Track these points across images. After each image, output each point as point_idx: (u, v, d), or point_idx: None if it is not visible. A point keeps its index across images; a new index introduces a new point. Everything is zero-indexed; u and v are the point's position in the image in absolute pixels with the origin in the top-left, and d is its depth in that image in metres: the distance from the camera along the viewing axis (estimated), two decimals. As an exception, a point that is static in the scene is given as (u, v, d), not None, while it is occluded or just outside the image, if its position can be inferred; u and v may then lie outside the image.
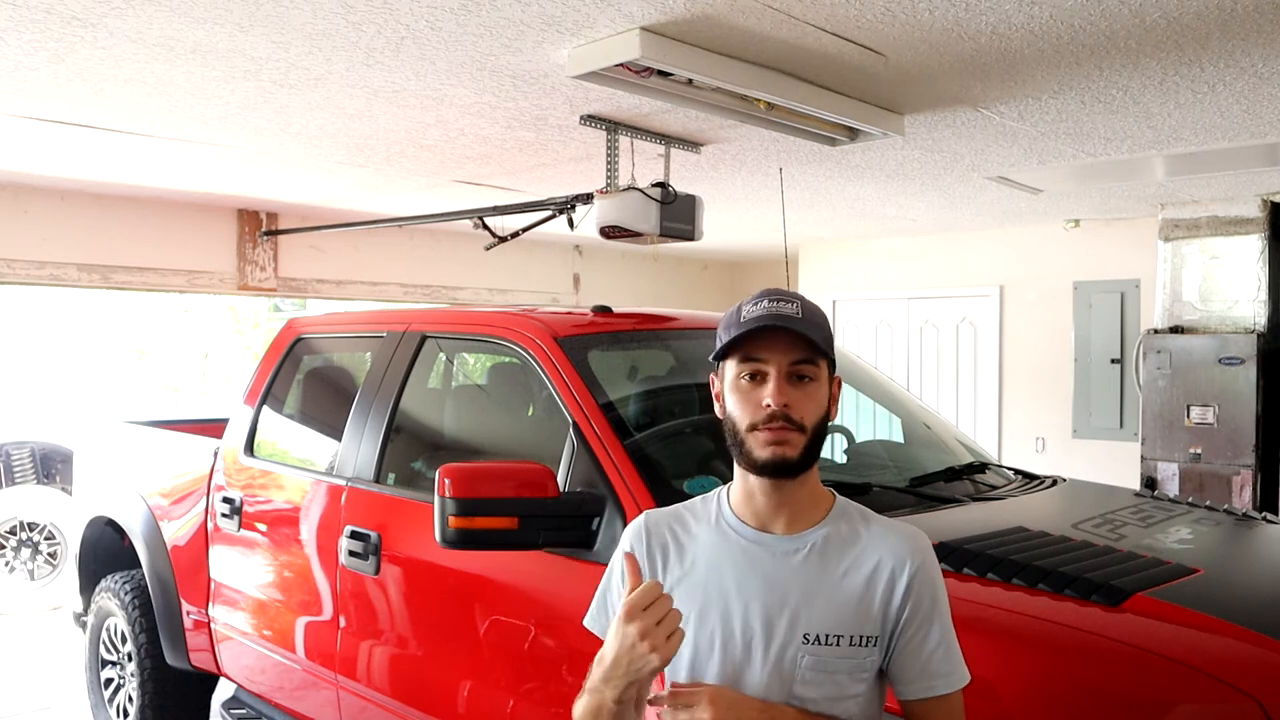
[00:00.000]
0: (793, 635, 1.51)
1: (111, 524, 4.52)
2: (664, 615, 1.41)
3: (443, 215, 5.92)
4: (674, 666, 1.58)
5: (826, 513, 1.59)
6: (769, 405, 1.51)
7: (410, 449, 3.32)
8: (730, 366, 1.56)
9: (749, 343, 1.54)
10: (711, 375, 1.64)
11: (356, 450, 3.28)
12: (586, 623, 1.70)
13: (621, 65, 3.19)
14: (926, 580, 1.54)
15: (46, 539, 6.93)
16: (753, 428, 1.52)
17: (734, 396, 1.55)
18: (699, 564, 1.59)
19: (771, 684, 1.51)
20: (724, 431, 1.58)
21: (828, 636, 1.50)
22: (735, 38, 3.13)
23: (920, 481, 2.91)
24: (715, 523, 1.61)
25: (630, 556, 1.51)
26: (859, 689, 1.52)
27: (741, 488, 1.59)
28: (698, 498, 1.68)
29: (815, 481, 1.60)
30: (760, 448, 1.52)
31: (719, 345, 1.57)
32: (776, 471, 1.52)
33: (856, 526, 1.58)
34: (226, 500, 3.76)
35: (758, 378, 1.53)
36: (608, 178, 4.35)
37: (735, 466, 1.60)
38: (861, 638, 1.51)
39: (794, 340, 1.53)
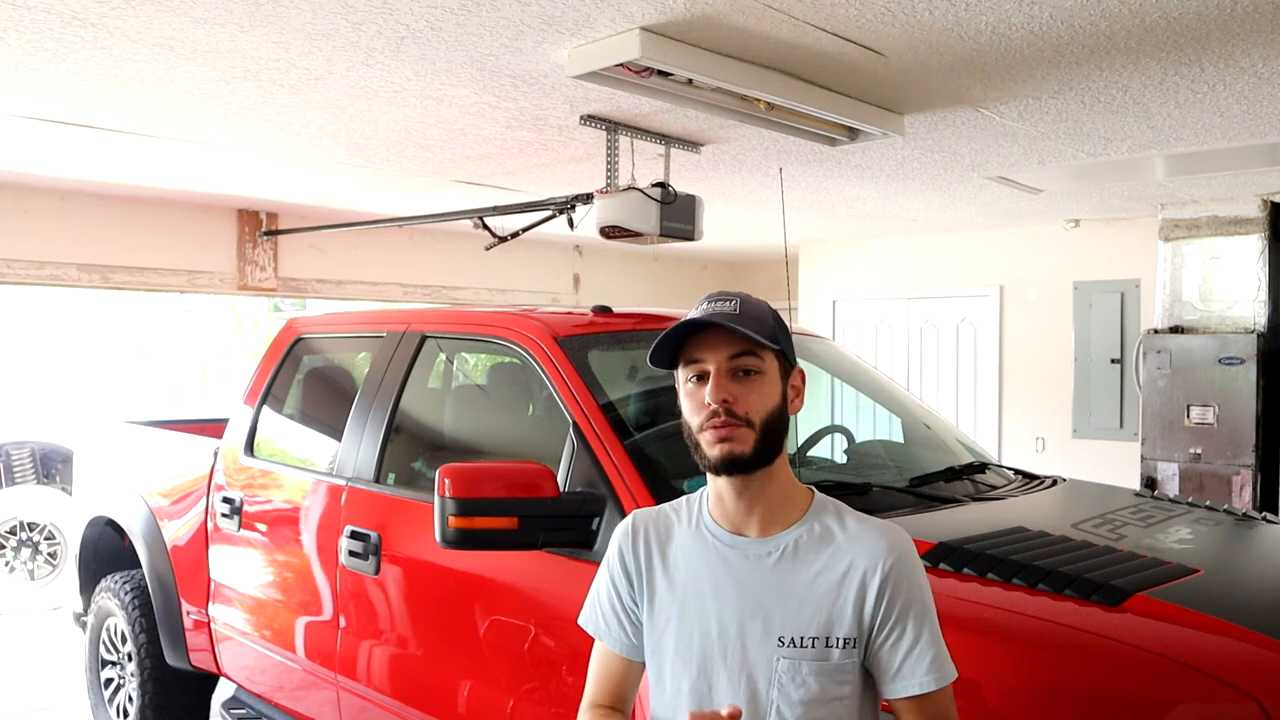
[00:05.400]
0: (767, 639, 1.51)
1: (111, 524, 4.52)
2: None
3: (443, 215, 5.92)
4: (657, 669, 1.59)
5: (803, 512, 1.58)
6: (709, 404, 1.52)
7: (410, 449, 3.32)
8: (679, 373, 1.59)
9: (689, 346, 1.56)
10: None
11: (356, 450, 3.28)
12: (581, 621, 1.70)
13: (621, 65, 3.19)
14: (902, 578, 1.51)
15: (46, 539, 6.93)
16: (701, 428, 1.54)
17: (685, 401, 1.58)
18: (680, 567, 1.60)
19: (748, 688, 1.50)
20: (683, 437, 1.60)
21: (802, 639, 1.50)
22: (735, 38, 3.13)
23: (920, 481, 2.91)
24: (695, 526, 1.61)
25: None
26: (843, 691, 1.50)
27: (713, 491, 1.61)
28: (684, 497, 1.69)
29: (788, 480, 1.60)
30: (710, 446, 1.53)
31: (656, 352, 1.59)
32: (730, 468, 1.53)
33: (831, 525, 1.57)
34: (226, 500, 3.76)
35: (703, 378, 1.55)
36: (608, 178, 4.35)
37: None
38: (838, 639, 1.50)
39: (728, 336, 1.54)
